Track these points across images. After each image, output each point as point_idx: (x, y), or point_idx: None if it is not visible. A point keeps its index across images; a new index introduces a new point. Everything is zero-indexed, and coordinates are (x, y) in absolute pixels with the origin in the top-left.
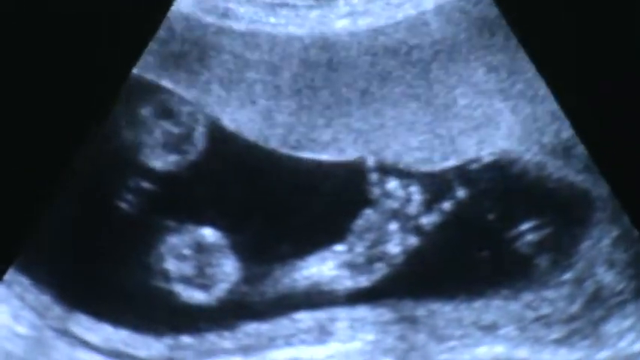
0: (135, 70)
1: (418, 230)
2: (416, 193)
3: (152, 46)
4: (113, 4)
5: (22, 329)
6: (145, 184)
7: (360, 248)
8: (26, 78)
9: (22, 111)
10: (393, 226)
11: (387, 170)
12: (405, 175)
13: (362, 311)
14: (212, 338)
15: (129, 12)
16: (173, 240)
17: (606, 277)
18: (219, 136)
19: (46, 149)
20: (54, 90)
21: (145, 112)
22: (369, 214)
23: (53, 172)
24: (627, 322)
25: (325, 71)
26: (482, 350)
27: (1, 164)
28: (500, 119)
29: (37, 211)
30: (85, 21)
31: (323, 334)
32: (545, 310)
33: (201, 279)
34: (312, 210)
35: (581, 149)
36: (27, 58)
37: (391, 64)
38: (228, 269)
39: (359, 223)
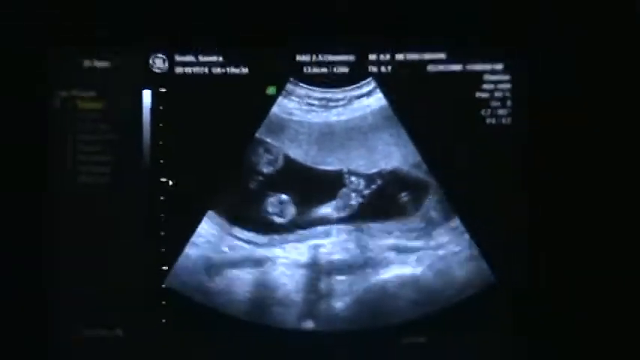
0: None
1: (361, 195)
2: (361, 182)
3: None
4: None
5: None
6: None
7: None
8: None
9: None
10: (353, 194)
11: (351, 173)
12: (357, 174)
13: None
14: None
15: None
16: None
17: None
18: None
19: None
20: None
21: None
22: (344, 190)
23: None
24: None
25: None
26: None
27: None
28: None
29: None
30: None
31: None
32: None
33: None
34: None
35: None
36: None
37: None
38: None
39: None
